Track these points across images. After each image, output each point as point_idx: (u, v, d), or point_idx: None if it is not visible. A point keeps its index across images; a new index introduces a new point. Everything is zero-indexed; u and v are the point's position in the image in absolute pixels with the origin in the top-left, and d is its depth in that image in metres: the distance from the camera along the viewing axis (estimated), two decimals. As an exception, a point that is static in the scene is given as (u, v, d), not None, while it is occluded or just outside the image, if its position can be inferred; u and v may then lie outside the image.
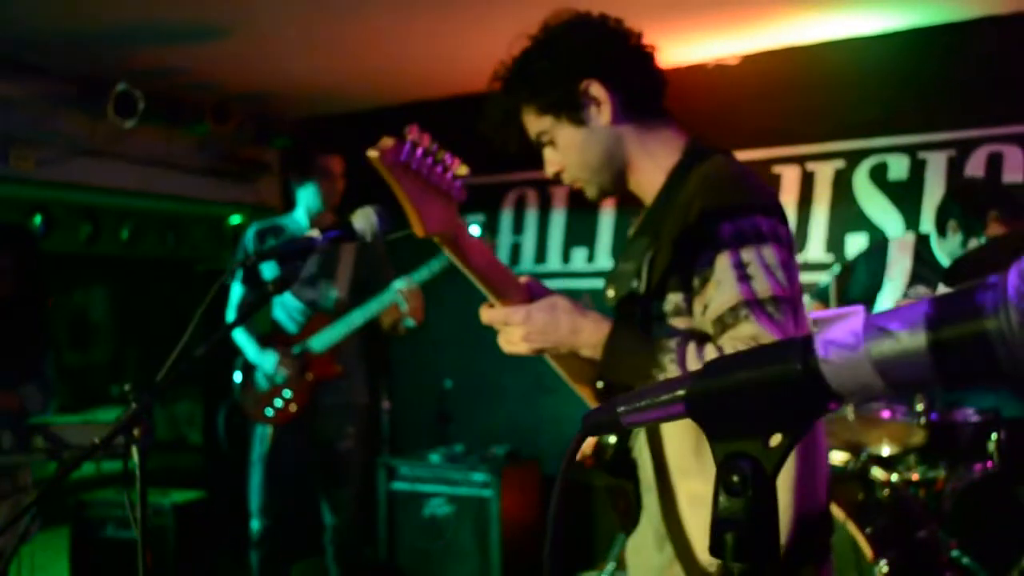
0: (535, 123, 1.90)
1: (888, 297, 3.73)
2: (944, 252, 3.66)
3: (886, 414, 3.25)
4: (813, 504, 1.76)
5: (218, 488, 5.11)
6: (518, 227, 5.43)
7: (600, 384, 1.90)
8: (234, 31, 4.34)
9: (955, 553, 3.33)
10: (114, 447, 1.94)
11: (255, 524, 4.18)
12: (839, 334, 0.65)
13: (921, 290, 3.67)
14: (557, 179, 1.95)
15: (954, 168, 4.36)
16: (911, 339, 0.63)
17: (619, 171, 1.89)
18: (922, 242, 3.78)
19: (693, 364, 1.65)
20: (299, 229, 4.27)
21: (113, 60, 4.58)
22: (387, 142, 1.61)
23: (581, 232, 5.26)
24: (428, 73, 5.08)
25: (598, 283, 5.14)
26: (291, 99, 5.43)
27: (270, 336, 4.25)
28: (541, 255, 5.38)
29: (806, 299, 4.33)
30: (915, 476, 3.42)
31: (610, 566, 3.97)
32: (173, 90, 4.96)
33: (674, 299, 1.75)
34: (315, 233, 2.09)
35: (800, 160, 4.73)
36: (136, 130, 4.74)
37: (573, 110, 1.85)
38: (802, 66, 4.70)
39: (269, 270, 4.21)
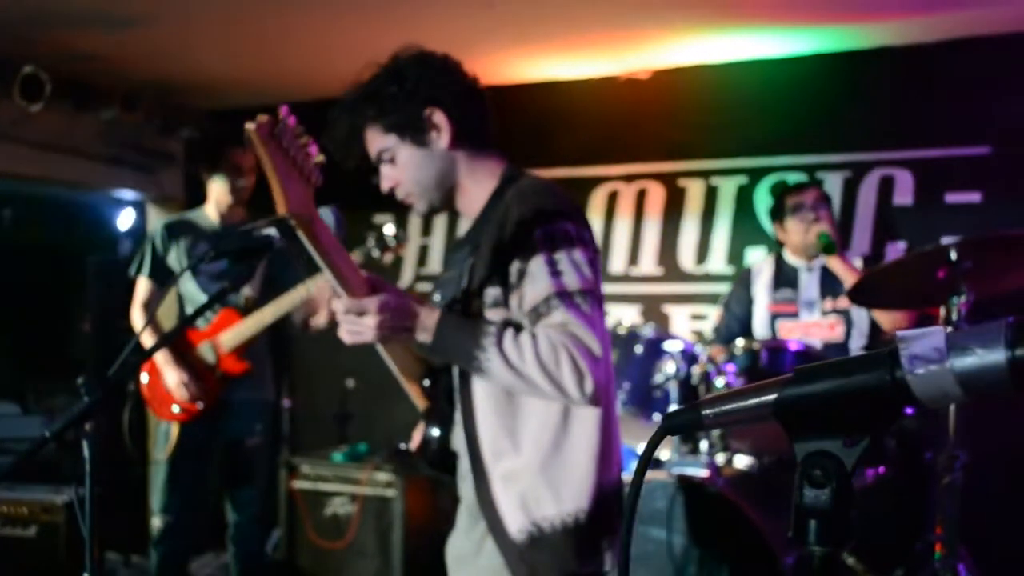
0: (379, 140, 2.11)
1: (760, 307, 4.15)
2: (791, 253, 4.14)
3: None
4: (610, 476, 1.99)
5: (112, 484, 4.97)
6: (426, 230, 5.46)
7: (427, 382, 2.18)
8: (146, 19, 4.25)
9: (845, 558, 3.53)
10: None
11: (157, 522, 4.10)
12: (924, 350, 0.75)
13: (786, 291, 4.10)
14: (391, 194, 2.17)
15: (849, 188, 4.59)
16: (990, 356, 0.72)
17: (448, 190, 2.14)
18: (778, 257, 4.22)
19: (509, 347, 1.89)
20: (209, 224, 4.22)
21: (19, 42, 4.41)
22: (263, 118, 1.71)
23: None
24: (343, 70, 5.04)
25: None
26: (200, 90, 5.33)
27: (176, 333, 4.17)
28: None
29: (713, 308, 4.51)
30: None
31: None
32: (81, 75, 4.81)
33: (492, 292, 1.99)
34: (272, 231, 2.10)
35: (705, 175, 4.90)
36: (38, 114, 4.58)
37: (417, 132, 2.08)
38: (710, 84, 4.87)
39: (176, 264, 4.14)
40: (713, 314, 4.53)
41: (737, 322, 4.21)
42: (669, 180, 4.97)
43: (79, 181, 5.20)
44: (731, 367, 3.50)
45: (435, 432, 2.12)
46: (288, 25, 4.36)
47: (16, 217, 6.75)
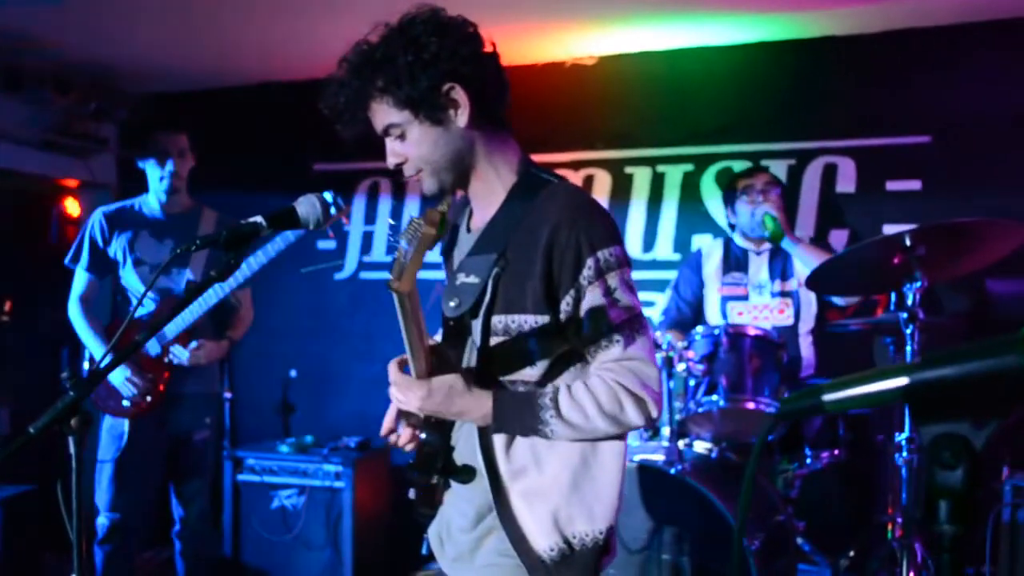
0: (388, 114, 1.94)
1: (712, 289, 4.23)
2: (740, 237, 4.25)
3: (750, 405, 3.45)
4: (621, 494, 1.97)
5: (49, 481, 4.81)
6: (370, 217, 5.39)
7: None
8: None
9: (799, 540, 3.60)
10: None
11: (102, 520, 3.97)
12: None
13: (736, 274, 4.19)
14: (397, 170, 2.03)
15: (794, 175, 4.66)
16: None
17: (463, 173, 2.00)
18: (727, 241, 4.30)
19: (569, 411, 1.85)
20: (152, 213, 4.08)
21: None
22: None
23: (435, 223, 5.25)
24: (280, 55, 4.96)
25: (451, 275, 5.19)
26: (135, 74, 5.16)
27: (117, 326, 4.05)
28: (394, 245, 5.36)
29: (660, 295, 4.54)
30: (767, 464, 3.66)
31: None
32: (9, 56, 4.61)
33: (540, 320, 1.89)
34: (259, 218, 2.04)
35: (651, 162, 4.93)
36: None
37: (433, 109, 1.92)
38: (656, 71, 4.89)
39: (118, 255, 4.01)
40: (660, 300, 4.56)
41: (687, 305, 4.26)
42: (616, 167, 4.98)
43: (9, 167, 4.98)
44: (691, 353, 3.53)
45: (433, 438, 2.01)
46: (226, 7, 4.24)
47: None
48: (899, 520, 3.34)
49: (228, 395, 5.20)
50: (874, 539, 3.53)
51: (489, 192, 2.02)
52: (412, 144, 1.95)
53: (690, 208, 4.84)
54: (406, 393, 1.91)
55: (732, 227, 4.31)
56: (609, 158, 4.99)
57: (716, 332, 3.55)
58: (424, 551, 2.21)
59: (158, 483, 4.08)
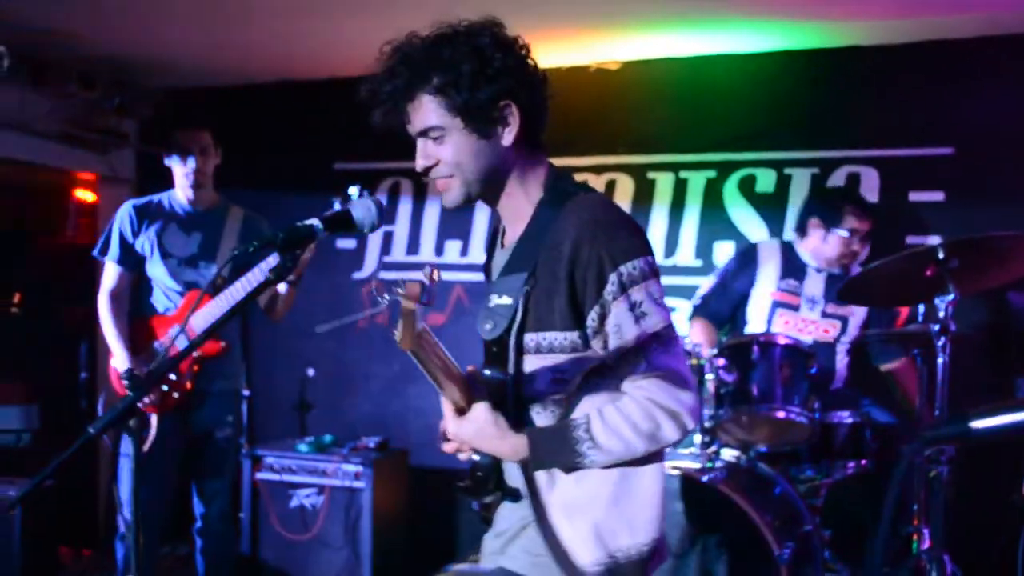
0: (435, 115, 1.92)
1: (764, 290, 4.12)
2: (807, 250, 4.11)
3: (780, 414, 3.46)
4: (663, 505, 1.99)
5: (66, 477, 4.81)
6: (391, 216, 5.39)
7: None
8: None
9: (827, 554, 3.60)
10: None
11: (124, 515, 3.97)
12: None
13: (792, 282, 4.08)
14: (424, 172, 2.00)
15: (816, 184, 4.67)
16: None
17: (493, 188, 2.00)
18: (786, 245, 4.21)
19: (601, 434, 1.84)
20: (181, 207, 4.09)
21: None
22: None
23: (455, 224, 5.28)
24: (303, 53, 4.96)
25: (471, 276, 5.20)
26: (158, 69, 5.15)
27: (146, 320, 4.04)
28: (414, 246, 5.36)
29: (682, 301, 4.55)
30: (794, 473, 3.67)
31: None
32: (36, 50, 4.61)
33: (570, 337, 1.90)
34: (315, 221, 2.04)
35: (674, 168, 4.93)
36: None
37: (484, 123, 1.91)
38: (680, 78, 4.90)
39: (146, 249, 4.01)
40: (684, 306, 4.56)
41: (728, 301, 4.18)
42: (638, 172, 4.98)
43: (29, 160, 4.98)
44: (720, 361, 3.53)
45: (485, 460, 2.01)
46: (252, 5, 4.24)
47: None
48: (926, 531, 3.35)
49: (246, 392, 5.21)
50: (901, 551, 3.53)
51: (517, 208, 2.02)
52: (450, 150, 1.93)
53: (712, 215, 4.85)
54: (448, 425, 1.97)
55: (802, 231, 4.16)
56: (631, 163, 5.00)
57: (747, 340, 3.55)
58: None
59: (178, 479, 4.08)
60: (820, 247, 4.06)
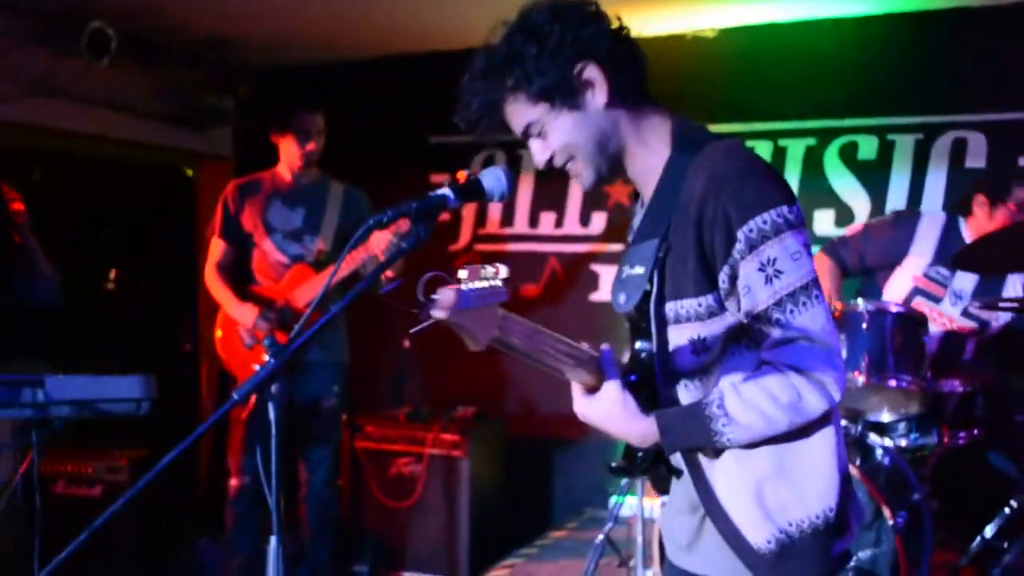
0: (525, 113, 1.87)
1: (908, 271, 3.87)
2: (973, 229, 3.81)
3: (892, 383, 3.40)
4: (844, 464, 1.83)
5: (164, 446, 4.94)
6: (485, 189, 5.40)
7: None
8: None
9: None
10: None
11: (234, 482, 4.09)
12: None
13: (943, 271, 3.82)
14: (550, 168, 1.92)
15: (921, 150, 4.57)
16: None
17: (616, 156, 1.89)
18: (951, 222, 3.90)
19: (737, 409, 1.70)
20: (283, 181, 4.18)
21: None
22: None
23: (550, 196, 5.28)
24: (400, 27, 4.99)
25: (565, 247, 5.21)
26: (258, 47, 5.23)
27: (251, 291, 4.14)
28: (508, 218, 5.38)
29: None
30: (903, 443, 3.61)
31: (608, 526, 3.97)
32: (141, 31, 4.71)
33: (704, 302, 1.77)
34: (447, 191, 2.04)
35: (772, 136, 4.87)
36: (95, 72, 4.49)
37: (569, 95, 1.83)
38: (778, 44, 4.81)
39: (248, 222, 4.11)
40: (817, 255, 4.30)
41: (858, 255, 3.93)
42: (736, 141, 4.92)
43: (135, 140, 5.12)
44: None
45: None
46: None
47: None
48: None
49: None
50: (1015, 521, 3.46)
51: (646, 169, 1.90)
52: (554, 136, 1.87)
53: (813, 183, 4.77)
54: (575, 405, 1.84)
55: (966, 210, 3.87)
56: (730, 131, 4.85)
57: (859, 309, 3.48)
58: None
59: (286, 448, 4.16)
60: (986, 225, 3.76)
